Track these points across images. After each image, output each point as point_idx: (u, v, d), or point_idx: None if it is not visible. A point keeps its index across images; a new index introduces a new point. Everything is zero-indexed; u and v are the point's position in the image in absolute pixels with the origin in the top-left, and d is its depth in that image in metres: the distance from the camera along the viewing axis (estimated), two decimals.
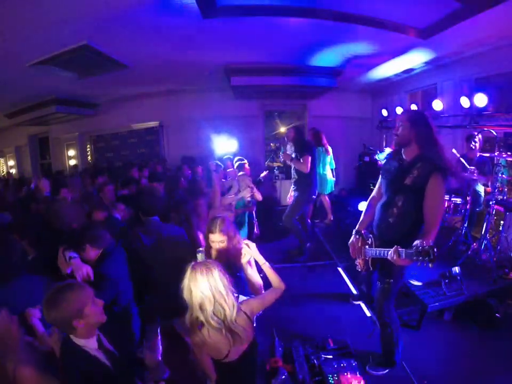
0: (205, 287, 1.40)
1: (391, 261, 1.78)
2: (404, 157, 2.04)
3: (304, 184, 4.16)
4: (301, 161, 4.04)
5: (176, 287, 1.48)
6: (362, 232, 2.16)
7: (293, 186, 4.36)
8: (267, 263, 1.81)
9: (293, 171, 4.29)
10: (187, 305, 1.46)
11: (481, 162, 3.57)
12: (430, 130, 1.95)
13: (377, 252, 1.95)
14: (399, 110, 5.30)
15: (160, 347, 2.42)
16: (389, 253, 1.77)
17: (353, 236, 2.21)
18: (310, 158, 4.02)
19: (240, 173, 3.94)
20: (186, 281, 1.44)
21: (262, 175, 5.03)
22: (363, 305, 3.12)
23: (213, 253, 1.99)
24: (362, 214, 2.31)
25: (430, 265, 1.51)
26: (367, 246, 2.10)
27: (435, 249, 1.51)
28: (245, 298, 1.68)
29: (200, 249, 2.12)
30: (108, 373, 1.39)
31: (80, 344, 1.36)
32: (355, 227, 2.23)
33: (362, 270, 2.18)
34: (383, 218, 2.10)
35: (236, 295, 1.50)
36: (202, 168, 5.16)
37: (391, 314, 2.20)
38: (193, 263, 1.49)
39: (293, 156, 4.15)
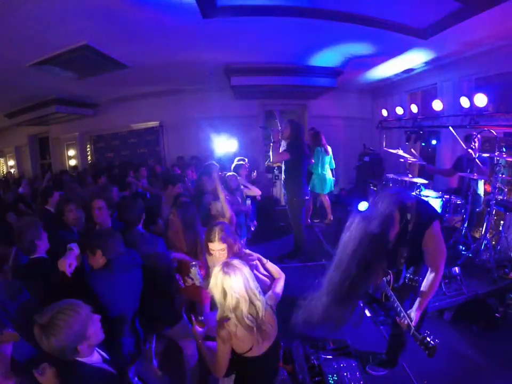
0: (240, 289, 1.41)
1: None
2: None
3: (292, 185, 4.04)
4: (279, 151, 3.87)
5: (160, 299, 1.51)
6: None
7: (283, 190, 4.26)
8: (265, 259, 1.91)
9: (282, 173, 4.16)
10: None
11: (481, 162, 3.57)
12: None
13: (395, 303, 1.88)
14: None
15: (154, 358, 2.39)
16: (401, 316, 1.76)
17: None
18: (288, 157, 3.86)
19: (229, 173, 3.78)
20: (217, 282, 1.43)
21: (253, 174, 4.94)
22: (367, 312, 3.11)
23: (214, 261, 1.94)
24: None
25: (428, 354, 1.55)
26: (385, 279, 2.04)
27: (433, 348, 1.54)
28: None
29: (193, 263, 2.08)
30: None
31: (86, 362, 1.27)
32: None
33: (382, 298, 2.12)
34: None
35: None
36: (193, 170, 5.01)
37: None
38: (222, 264, 1.49)
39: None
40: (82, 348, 1.22)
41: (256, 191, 3.88)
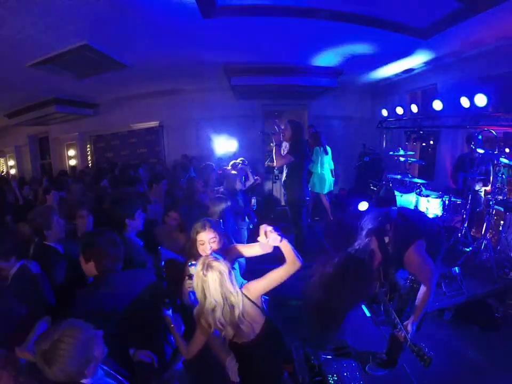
0: (216, 292, 1.44)
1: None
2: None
3: (293, 185, 3.97)
4: (282, 154, 3.84)
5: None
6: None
7: (283, 190, 4.23)
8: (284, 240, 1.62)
9: (283, 173, 4.09)
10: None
11: (481, 162, 3.57)
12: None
13: (392, 315, 1.88)
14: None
15: None
16: (398, 328, 1.76)
17: None
18: (291, 160, 3.79)
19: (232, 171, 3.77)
20: (198, 283, 1.47)
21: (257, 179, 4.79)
22: (363, 306, 3.12)
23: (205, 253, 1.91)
24: None
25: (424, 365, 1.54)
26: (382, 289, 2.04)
27: (429, 359, 1.53)
28: (245, 282, 1.71)
29: (193, 262, 2.07)
30: None
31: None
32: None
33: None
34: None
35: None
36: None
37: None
38: (201, 262, 1.49)
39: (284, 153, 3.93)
40: (89, 371, 1.15)
41: (252, 178, 3.87)
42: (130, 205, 2.30)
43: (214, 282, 1.44)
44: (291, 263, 1.55)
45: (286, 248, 1.57)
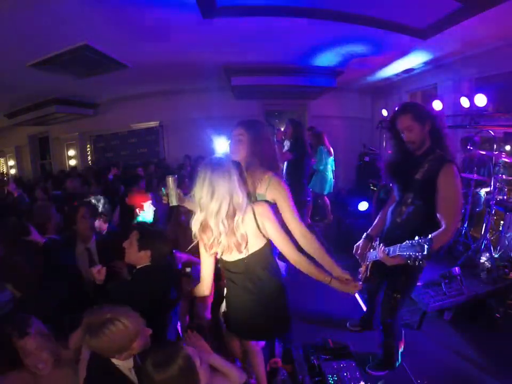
0: (224, 191, 1.36)
1: (399, 273, 1.70)
2: (411, 151, 1.83)
3: (293, 185, 3.94)
4: (282, 151, 3.86)
5: None
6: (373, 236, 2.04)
7: None
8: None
9: (283, 173, 4.10)
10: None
11: (481, 163, 3.57)
12: (440, 120, 1.77)
13: (376, 253, 1.84)
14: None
15: None
16: (379, 251, 1.68)
17: (362, 239, 2.11)
18: (290, 157, 3.85)
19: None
20: (205, 183, 1.37)
21: None
22: (363, 306, 3.12)
23: None
24: (376, 219, 2.17)
25: (423, 262, 1.37)
26: (371, 250, 2.01)
27: (431, 244, 1.35)
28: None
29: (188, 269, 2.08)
30: None
31: (114, 363, 1.24)
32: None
33: (362, 279, 2.09)
34: (392, 220, 1.97)
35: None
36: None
37: (394, 326, 2.14)
38: (209, 165, 1.41)
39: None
40: (120, 356, 1.20)
41: None
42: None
43: (223, 180, 1.37)
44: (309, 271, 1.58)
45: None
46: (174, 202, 1.79)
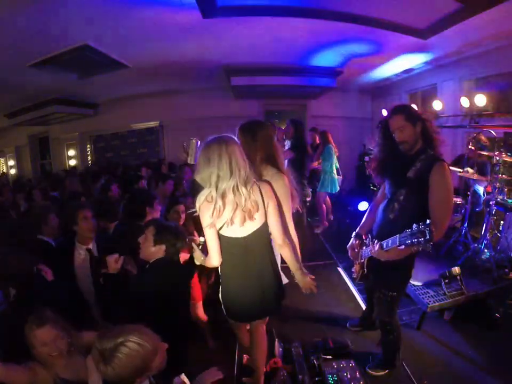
0: (241, 159, 1.49)
1: (391, 270, 1.72)
2: (403, 151, 1.86)
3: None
4: (283, 150, 3.91)
5: None
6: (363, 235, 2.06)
7: None
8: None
9: None
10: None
11: (481, 163, 3.57)
12: (430, 123, 1.82)
13: (369, 250, 1.85)
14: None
15: None
16: (374, 246, 1.71)
17: (352, 238, 2.13)
18: (291, 156, 3.86)
19: None
20: (222, 155, 1.46)
21: None
22: (363, 306, 3.12)
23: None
24: (364, 217, 2.20)
25: (427, 247, 1.36)
26: (364, 247, 2.02)
27: (432, 228, 1.35)
28: None
29: (201, 239, 2.00)
30: None
31: None
32: (355, 228, 2.20)
33: (357, 277, 2.11)
34: (384, 217, 1.98)
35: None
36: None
37: (393, 322, 2.13)
38: (222, 141, 1.51)
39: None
40: (141, 379, 1.11)
41: None
42: (148, 195, 2.63)
43: (238, 150, 1.51)
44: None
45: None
46: (192, 161, 2.23)
